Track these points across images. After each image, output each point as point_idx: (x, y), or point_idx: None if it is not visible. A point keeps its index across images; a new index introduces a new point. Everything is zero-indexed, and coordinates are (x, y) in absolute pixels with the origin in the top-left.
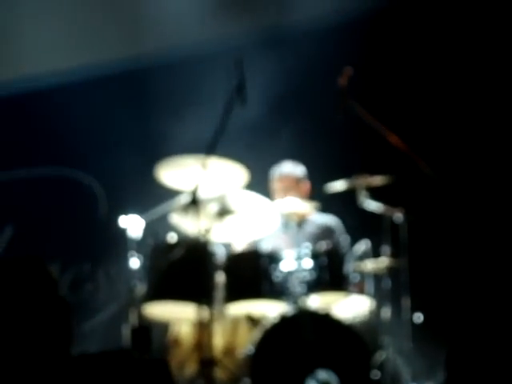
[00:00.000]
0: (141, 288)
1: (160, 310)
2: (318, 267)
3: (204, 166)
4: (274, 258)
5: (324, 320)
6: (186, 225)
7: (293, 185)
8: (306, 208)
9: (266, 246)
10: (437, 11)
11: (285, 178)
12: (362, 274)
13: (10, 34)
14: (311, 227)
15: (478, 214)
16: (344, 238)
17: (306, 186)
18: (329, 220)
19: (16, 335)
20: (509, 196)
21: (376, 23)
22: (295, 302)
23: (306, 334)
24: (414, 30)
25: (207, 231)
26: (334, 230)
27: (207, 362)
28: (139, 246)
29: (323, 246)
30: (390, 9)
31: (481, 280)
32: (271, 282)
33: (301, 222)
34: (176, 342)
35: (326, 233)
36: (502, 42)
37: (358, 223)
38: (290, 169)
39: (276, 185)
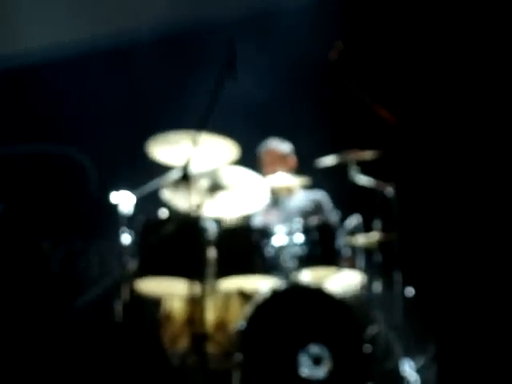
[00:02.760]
0: (132, 264)
1: (152, 286)
2: (309, 242)
3: (195, 141)
4: (265, 233)
5: (316, 295)
6: (178, 200)
7: (279, 159)
8: (296, 182)
9: (256, 221)
10: None
11: (271, 152)
12: (354, 249)
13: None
14: (299, 202)
15: (468, 186)
16: (334, 213)
17: (292, 161)
18: (317, 195)
19: (10, 309)
20: (498, 172)
21: None
22: (287, 277)
23: (297, 309)
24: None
25: (198, 207)
26: (322, 204)
27: (199, 337)
28: (130, 221)
29: (314, 220)
30: None
31: (471, 253)
32: (263, 257)
33: (289, 196)
34: (168, 317)
35: (314, 207)
36: (488, 13)
37: (349, 198)
38: (276, 145)
39: (263, 160)
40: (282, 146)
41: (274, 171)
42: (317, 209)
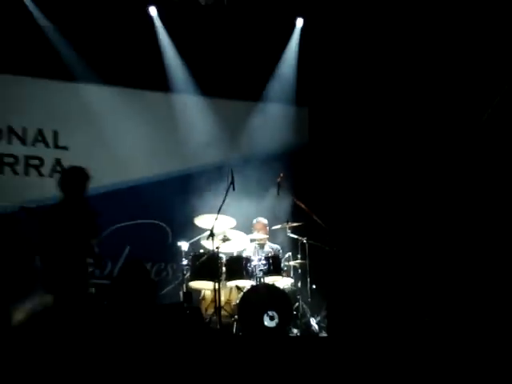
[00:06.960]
0: (187, 273)
1: (196, 284)
2: (268, 263)
3: (216, 218)
4: (248, 260)
5: (272, 288)
6: (208, 244)
7: (262, 227)
8: (266, 238)
9: (245, 255)
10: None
11: (259, 224)
12: (289, 267)
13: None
14: (267, 247)
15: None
16: (280, 251)
17: (267, 228)
18: (275, 246)
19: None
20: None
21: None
22: (259, 280)
23: (264, 294)
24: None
25: (217, 248)
26: (277, 249)
27: (218, 308)
28: (187, 254)
29: (272, 253)
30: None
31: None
32: (247, 270)
33: (262, 244)
34: (203, 298)
35: (274, 250)
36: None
37: (288, 245)
38: (262, 221)
39: (255, 227)
40: (263, 221)
41: (258, 232)
42: (274, 251)
